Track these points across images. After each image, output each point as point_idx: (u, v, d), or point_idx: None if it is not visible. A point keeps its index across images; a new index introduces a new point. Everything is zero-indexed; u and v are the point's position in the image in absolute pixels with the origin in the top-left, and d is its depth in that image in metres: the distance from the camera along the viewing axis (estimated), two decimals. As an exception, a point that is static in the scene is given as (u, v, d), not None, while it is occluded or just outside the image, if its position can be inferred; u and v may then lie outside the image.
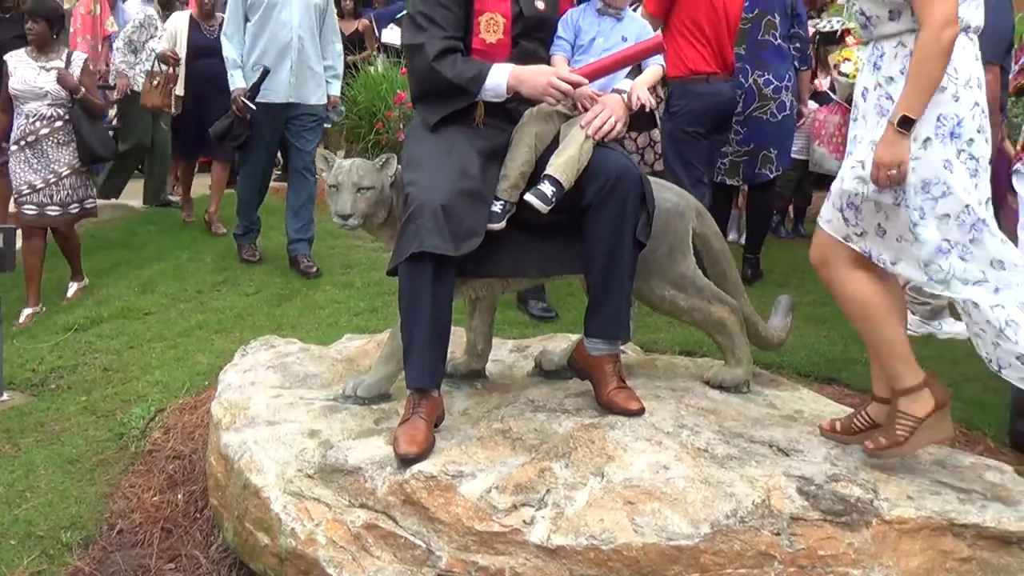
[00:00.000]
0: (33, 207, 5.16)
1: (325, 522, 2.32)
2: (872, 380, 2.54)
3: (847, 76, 5.98)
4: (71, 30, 7.28)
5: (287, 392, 2.89)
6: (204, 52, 6.26)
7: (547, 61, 2.75)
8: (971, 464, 2.50)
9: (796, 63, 5.27)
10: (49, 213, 5.19)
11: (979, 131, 2.29)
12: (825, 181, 5.93)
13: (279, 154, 6.12)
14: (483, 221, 2.54)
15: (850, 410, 2.83)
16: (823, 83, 6.49)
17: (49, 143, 5.18)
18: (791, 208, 6.95)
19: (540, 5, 2.74)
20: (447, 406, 2.65)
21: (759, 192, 5.41)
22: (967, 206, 2.26)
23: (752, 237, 5.47)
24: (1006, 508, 2.24)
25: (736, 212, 6.34)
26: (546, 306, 4.56)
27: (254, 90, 5.22)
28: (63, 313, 5.10)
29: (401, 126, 7.05)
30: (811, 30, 6.04)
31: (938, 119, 2.25)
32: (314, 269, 5.44)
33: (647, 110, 2.72)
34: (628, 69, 2.74)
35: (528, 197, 2.55)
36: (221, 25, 6.12)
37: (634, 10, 3.16)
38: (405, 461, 2.37)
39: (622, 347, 2.95)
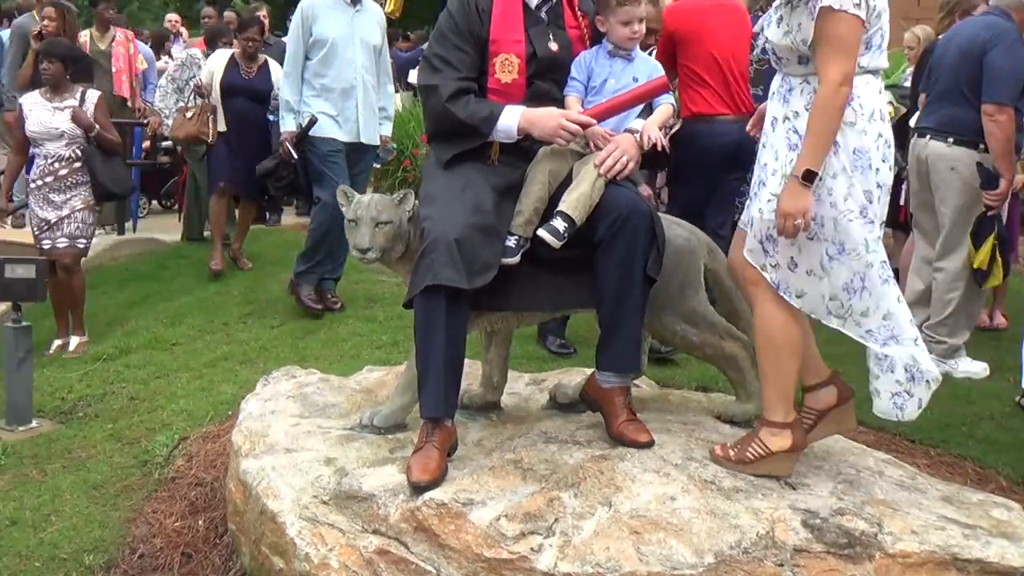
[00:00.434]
0: (47, 241, 5.16)
1: (338, 547, 2.38)
2: (802, 372, 2.60)
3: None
4: (113, 70, 7.44)
5: (306, 421, 2.96)
6: (237, 91, 6.22)
7: (561, 101, 2.82)
8: (979, 501, 2.51)
9: None
10: (58, 246, 5.14)
11: (883, 160, 2.42)
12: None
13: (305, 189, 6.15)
14: (497, 255, 2.61)
15: (861, 445, 2.86)
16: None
17: (68, 183, 5.15)
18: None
19: (553, 47, 2.83)
20: (462, 437, 2.70)
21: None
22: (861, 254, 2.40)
23: None
24: (1010, 544, 2.26)
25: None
26: (564, 342, 4.61)
27: (300, 137, 5.19)
28: (93, 344, 5.22)
29: (427, 164, 7.15)
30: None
31: (854, 152, 2.38)
32: (338, 305, 5.50)
33: (659, 148, 2.78)
34: (640, 109, 2.81)
35: (541, 232, 2.62)
36: (260, 69, 6.23)
37: (649, 54, 3.22)
38: (417, 489, 2.42)
39: (635, 381, 3.00)
